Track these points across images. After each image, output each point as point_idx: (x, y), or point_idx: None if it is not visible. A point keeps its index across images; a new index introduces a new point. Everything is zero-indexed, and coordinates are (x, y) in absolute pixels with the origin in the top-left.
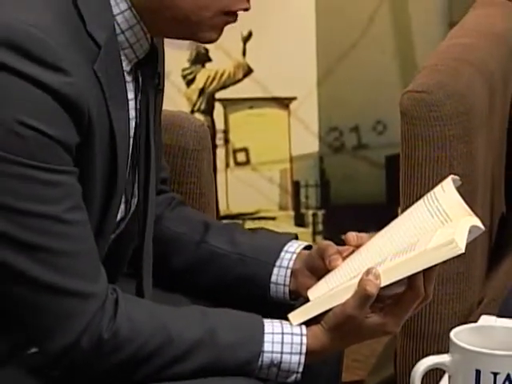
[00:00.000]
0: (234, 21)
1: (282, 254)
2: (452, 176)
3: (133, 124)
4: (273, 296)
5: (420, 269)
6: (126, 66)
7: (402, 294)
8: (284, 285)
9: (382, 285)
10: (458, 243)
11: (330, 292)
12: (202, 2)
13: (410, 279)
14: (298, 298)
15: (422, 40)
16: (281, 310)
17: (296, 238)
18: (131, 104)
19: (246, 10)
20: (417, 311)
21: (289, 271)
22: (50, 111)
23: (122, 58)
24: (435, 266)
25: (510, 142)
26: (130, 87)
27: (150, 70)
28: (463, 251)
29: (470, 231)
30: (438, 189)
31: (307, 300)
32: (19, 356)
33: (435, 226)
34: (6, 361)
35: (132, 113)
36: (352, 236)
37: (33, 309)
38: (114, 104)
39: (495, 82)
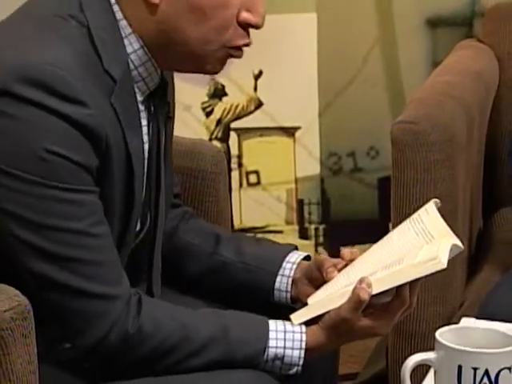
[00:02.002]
0: (239, 56)
1: (284, 264)
2: (434, 200)
3: (146, 147)
4: (276, 300)
5: (407, 280)
6: (140, 97)
7: (390, 302)
8: (286, 291)
9: (374, 293)
10: (441, 259)
11: (328, 297)
12: (207, 37)
13: (398, 289)
14: (297, 302)
15: (409, 77)
16: (281, 312)
17: (296, 248)
18: (144, 130)
19: (247, 45)
20: (402, 317)
21: (290, 280)
22: (72, 139)
23: (136, 90)
24: (420, 278)
25: (486, 166)
26: (143, 115)
27: (161, 100)
28: (445, 266)
29: (451, 249)
30: (422, 211)
31: (305, 304)
32: (54, 351)
33: (420, 244)
34: (43, 355)
35: (145, 138)
36: (346, 252)
37: (66, 311)
38: (129, 130)
39: (473, 114)
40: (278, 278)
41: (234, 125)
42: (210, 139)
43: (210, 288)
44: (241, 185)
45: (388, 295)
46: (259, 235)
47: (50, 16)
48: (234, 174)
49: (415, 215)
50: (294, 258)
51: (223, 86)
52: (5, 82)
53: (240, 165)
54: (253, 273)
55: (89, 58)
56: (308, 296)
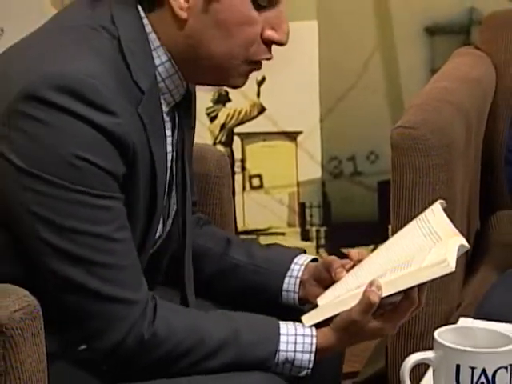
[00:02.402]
0: (259, 68)
1: (292, 265)
2: (440, 201)
3: (169, 157)
4: (284, 301)
5: (416, 283)
6: (165, 108)
7: (399, 303)
8: (294, 292)
9: (383, 295)
10: (450, 262)
11: (338, 299)
12: (232, 52)
13: (407, 291)
14: (305, 303)
15: (408, 84)
16: (290, 313)
17: (304, 252)
18: (169, 140)
19: (269, 59)
20: (411, 317)
21: (298, 280)
22: (101, 146)
23: (162, 101)
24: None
25: (483, 170)
26: (168, 126)
27: (185, 112)
28: (454, 270)
29: (458, 249)
30: (428, 212)
31: (315, 306)
32: (71, 351)
33: (429, 246)
34: (59, 356)
35: (169, 147)
36: (354, 252)
37: (86, 313)
38: (154, 140)
39: (471, 120)
40: (287, 279)
41: (237, 130)
42: (214, 143)
43: (220, 289)
44: (244, 188)
45: (397, 296)
46: (262, 237)
47: (83, 27)
48: (238, 178)
49: (422, 216)
50: (302, 259)
51: (227, 92)
52: (38, 89)
53: (243, 168)
54: (262, 274)
55: (118, 68)
56: (317, 297)
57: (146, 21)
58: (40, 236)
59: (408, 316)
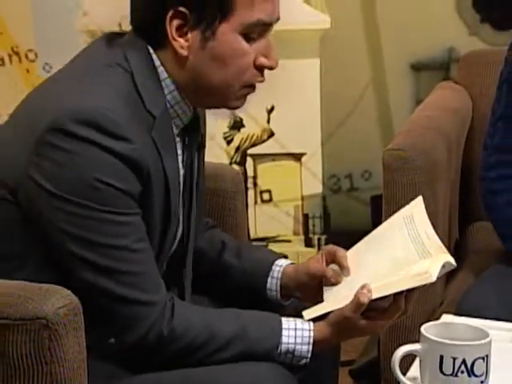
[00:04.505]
0: (253, 91)
1: (273, 267)
2: (420, 197)
3: (181, 172)
4: (269, 298)
5: (401, 289)
6: (175, 130)
7: (387, 307)
8: (276, 291)
9: (373, 298)
10: (432, 274)
11: (334, 298)
12: (228, 80)
13: (395, 297)
14: (288, 299)
15: (397, 112)
16: (274, 307)
17: (285, 257)
18: (179, 158)
19: (262, 81)
20: (397, 321)
21: (278, 281)
22: (119, 170)
23: (172, 125)
24: (415, 289)
25: (462, 186)
26: (179, 146)
27: (194, 132)
28: (434, 280)
29: (443, 265)
30: (413, 207)
31: (298, 301)
32: (102, 345)
33: (417, 259)
34: (91, 348)
35: (180, 165)
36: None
37: (112, 313)
38: (166, 159)
39: (451, 143)
40: (269, 279)
41: (250, 151)
42: (230, 163)
43: (214, 287)
44: (256, 202)
45: (386, 301)
46: (271, 244)
47: (100, 65)
48: (250, 193)
49: (408, 214)
50: (281, 262)
51: (241, 119)
52: (62, 122)
53: (255, 185)
54: (249, 275)
55: (132, 99)
56: (298, 297)
57: (154, 56)
58: (69, 250)
59: (394, 320)
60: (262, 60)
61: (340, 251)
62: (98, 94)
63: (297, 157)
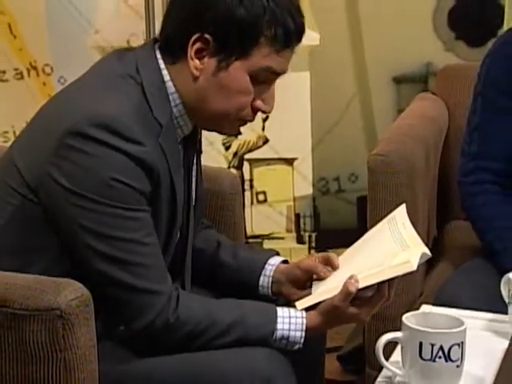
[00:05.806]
0: (245, 125)
1: (266, 265)
2: (403, 204)
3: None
4: (261, 294)
5: (385, 278)
6: (178, 139)
7: (372, 296)
8: (268, 288)
9: (360, 287)
10: (412, 264)
11: (324, 289)
12: (227, 112)
13: (379, 286)
14: (279, 296)
15: (380, 121)
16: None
17: (277, 254)
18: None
19: (251, 121)
20: (381, 307)
21: (270, 279)
22: (132, 170)
23: (176, 134)
24: (395, 278)
25: (439, 188)
26: (181, 153)
27: (192, 142)
28: (415, 269)
29: (421, 256)
30: (396, 214)
31: (289, 297)
32: (113, 332)
33: (397, 251)
34: (102, 335)
35: (182, 171)
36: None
37: (123, 302)
38: (172, 164)
39: (429, 149)
40: (261, 278)
41: (246, 156)
42: (229, 167)
43: (211, 283)
44: (252, 202)
45: (371, 290)
46: (266, 241)
47: (113, 76)
48: (247, 194)
49: (391, 218)
50: (274, 261)
51: None
52: (80, 126)
53: (251, 187)
54: (243, 273)
55: (142, 108)
56: (290, 293)
57: (165, 71)
58: (86, 243)
59: (379, 307)
60: (260, 103)
61: (332, 255)
62: (111, 101)
63: (289, 161)
